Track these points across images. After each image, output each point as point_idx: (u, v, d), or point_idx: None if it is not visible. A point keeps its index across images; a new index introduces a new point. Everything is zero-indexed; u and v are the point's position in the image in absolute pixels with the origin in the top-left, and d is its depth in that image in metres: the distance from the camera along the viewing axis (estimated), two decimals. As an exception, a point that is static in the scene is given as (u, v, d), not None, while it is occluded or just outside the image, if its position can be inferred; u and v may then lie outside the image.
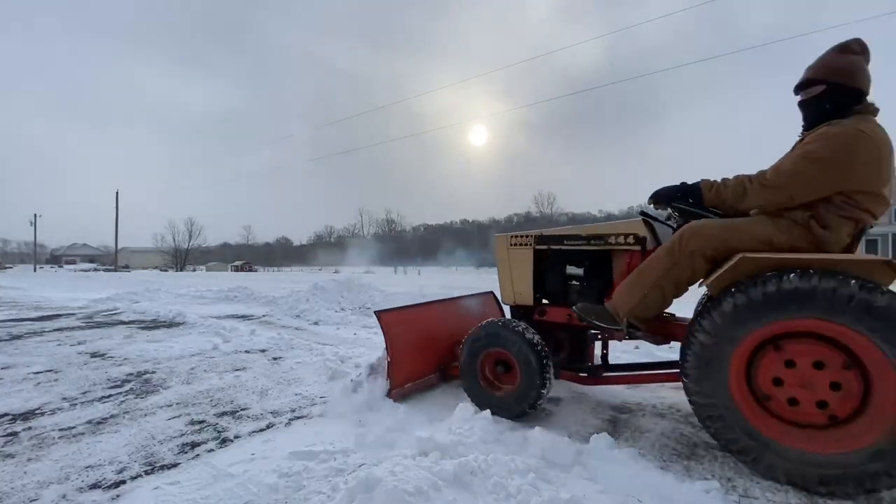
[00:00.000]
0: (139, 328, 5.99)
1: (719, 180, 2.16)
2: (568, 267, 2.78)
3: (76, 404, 2.92)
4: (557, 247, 2.80)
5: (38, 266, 52.86)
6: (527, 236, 2.95)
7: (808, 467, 1.77)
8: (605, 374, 2.80)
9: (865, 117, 1.96)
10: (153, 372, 3.68)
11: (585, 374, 2.77)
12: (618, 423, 2.54)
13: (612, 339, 2.70)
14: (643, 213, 2.65)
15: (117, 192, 45.38)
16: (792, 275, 1.79)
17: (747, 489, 1.83)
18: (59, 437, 2.40)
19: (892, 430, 1.63)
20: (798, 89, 2.14)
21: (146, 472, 2.00)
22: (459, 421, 2.26)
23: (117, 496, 1.82)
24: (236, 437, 2.37)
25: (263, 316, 7.20)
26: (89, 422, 2.61)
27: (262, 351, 4.48)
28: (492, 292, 3.56)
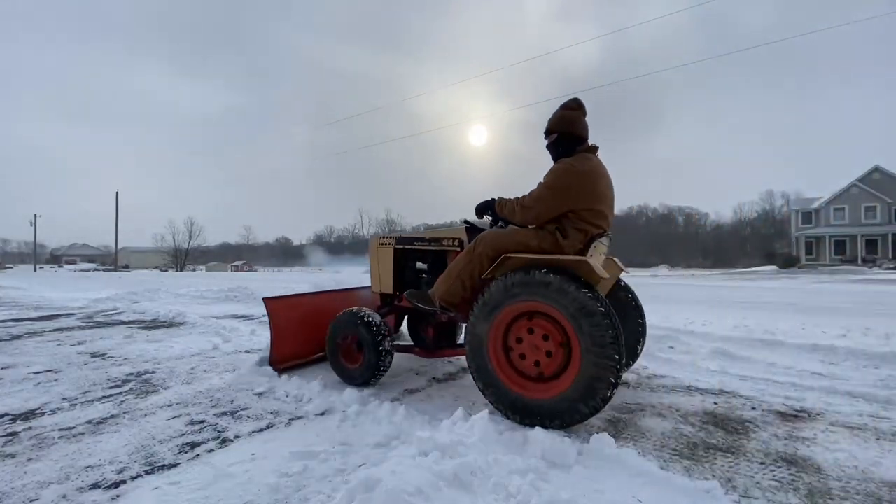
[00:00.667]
0: (139, 328, 5.99)
1: (508, 199, 2.82)
2: (418, 263, 3.49)
3: (76, 404, 2.92)
4: (410, 247, 3.45)
5: (38, 266, 52.87)
6: (391, 238, 3.58)
7: (533, 405, 2.42)
8: (436, 350, 3.37)
9: (584, 155, 2.68)
10: (153, 372, 3.68)
11: (419, 349, 3.45)
12: (618, 423, 2.54)
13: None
14: (466, 222, 3.29)
15: (117, 192, 45.43)
16: (521, 270, 2.49)
17: (747, 489, 1.83)
18: (60, 437, 2.40)
19: (572, 386, 2.31)
20: (545, 136, 2.86)
21: (146, 472, 2.00)
22: (459, 421, 2.26)
23: (117, 496, 1.82)
24: (236, 437, 2.37)
25: (263, 316, 7.19)
26: (89, 422, 2.61)
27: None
28: (370, 286, 3.93)
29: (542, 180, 2.67)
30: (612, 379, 2.22)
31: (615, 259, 3.30)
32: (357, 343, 3.22)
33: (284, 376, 3.30)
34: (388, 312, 3.59)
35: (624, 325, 3.07)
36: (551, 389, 2.41)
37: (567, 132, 2.77)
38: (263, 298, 3.61)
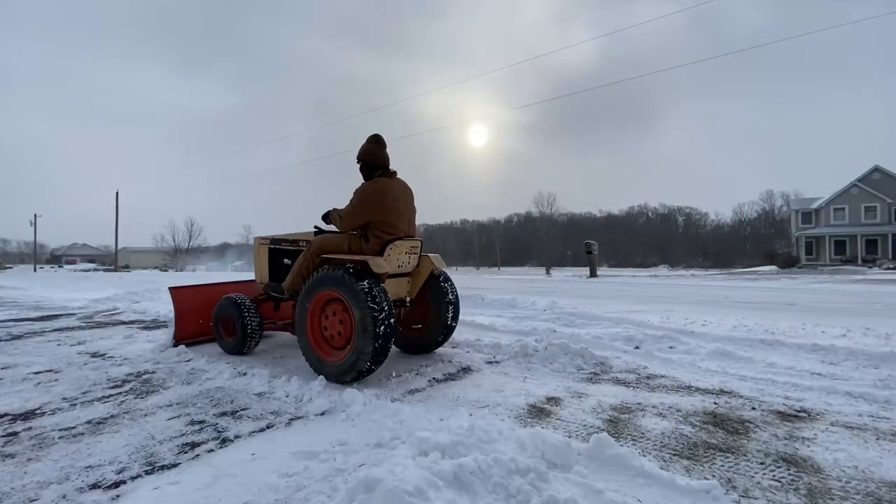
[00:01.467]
0: (139, 328, 5.99)
1: (337, 210, 3.68)
2: (285, 259, 4.40)
3: (76, 404, 2.92)
4: (279, 247, 4.49)
5: (38, 266, 52.86)
6: (266, 239, 4.58)
7: (328, 368, 3.32)
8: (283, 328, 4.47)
9: (378, 179, 3.63)
10: (153, 372, 3.68)
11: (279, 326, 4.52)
12: (618, 423, 2.54)
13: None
14: (316, 227, 4.13)
15: (117, 192, 45.37)
16: (325, 266, 3.46)
17: (747, 489, 1.83)
18: (59, 438, 2.40)
19: (348, 356, 3.21)
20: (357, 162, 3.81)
21: (146, 473, 2.00)
22: (459, 421, 2.26)
23: (117, 496, 1.82)
24: (236, 437, 2.37)
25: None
26: (89, 422, 2.61)
27: (263, 351, 4.48)
28: (254, 280, 4.91)
29: (351, 197, 3.63)
30: (371, 354, 3.12)
31: (430, 256, 4.08)
32: (232, 322, 4.22)
33: (285, 376, 3.30)
34: (265, 300, 4.49)
35: (437, 306, 4.12)
36: (339, 356, 3.32)
37: (367, 162, 3.75)
38: (169, 288, 4.79)
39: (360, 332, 3.14)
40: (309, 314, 3.48)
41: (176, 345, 4.44)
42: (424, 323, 4.24)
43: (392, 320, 3.23)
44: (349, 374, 3.20)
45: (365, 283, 3.18)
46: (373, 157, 3.74)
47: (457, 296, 4.25)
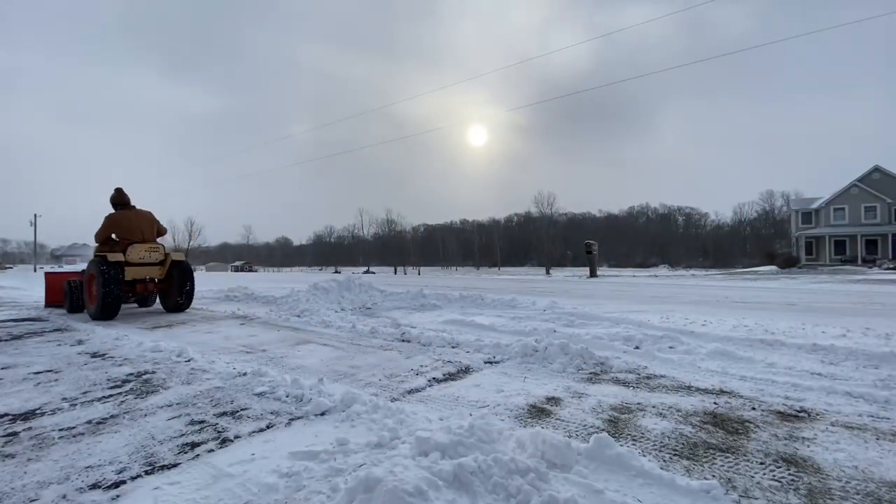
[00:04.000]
0: (139, 328, 5.99)
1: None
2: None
3: (76, 404, 2.92)
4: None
5: (38, 266, 52.82)
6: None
7: (91, 311, 7.23)
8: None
9: (117, 211, 7.62)
10: (153, 372, 3.68)
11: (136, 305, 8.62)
12: (618, 423, 2.54)
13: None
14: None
15: (117, 193, 45.29)
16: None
17: (747, 489, 1.83)
18: (59, 438, 2.40)
19: (94, 307, 7.04)
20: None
21: (146, 473, 2.00)
22: (459, 421, 2.26)
23: (117, 496, 1.82)
24: (236, 437, 2.37)
25: (263, 315, 7.19)
26: (89, 422, 2.61)
27: (263, 351, 4.48)
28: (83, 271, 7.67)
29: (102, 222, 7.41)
30: (93, 309, 6.75)
31: (172, 253, 7.72)
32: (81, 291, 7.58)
33: (285, 376, 3.30)
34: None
35: (178, 289, 7.55)
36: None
37: (113, 202, 7.66)
38: (44, 272, 9.00)
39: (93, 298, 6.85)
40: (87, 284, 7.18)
41: (46, 307, 8.69)
42: (170, 291, 7.66)
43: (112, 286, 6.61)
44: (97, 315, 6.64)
45: (106, 269, 6.63)
46: (117, 200, 7.71)
47: (190, 275, 7.70)
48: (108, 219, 7.25)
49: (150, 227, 7.49)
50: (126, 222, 7.20)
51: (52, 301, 8.64)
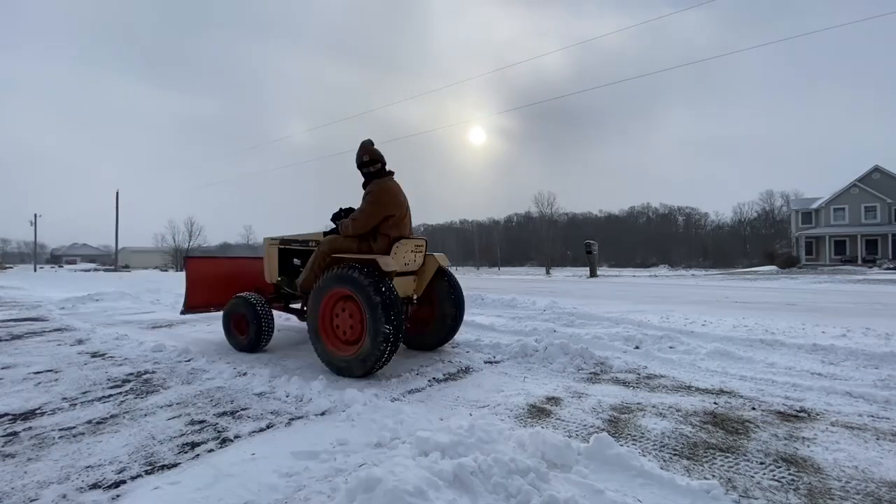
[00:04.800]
0: (140, 328, 5.99)
1: (349, 216, 3.90)
2: (294, 259, 4.58)
3: (76, 404, 2.92)
4: (286, 247, 4.60)
5: (38, 266, 52.85)
6: (276, 239, 4.65)
7: (338, 362, 3.49)
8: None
9: (384, 179, 3.92)
10: (153, 372, 3.68)
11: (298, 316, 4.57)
12: (618, 423, 2.54)
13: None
14: (330, 228, 4.27)
15: (117, 192, 45.34)
16: (336, 265, 3.58)
17: (747, 489, 1.83)
18: (60, 437, 2.40)
19: (360, 352, 3.37)
20: (361, 168, 4.02)
21: (146, 472, 2.00)
22: (459, 421, 2.26)
23: (117, 496, 1.82)
24: (236, 436, 2.37)
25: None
26: (89, 422, 2.61)
27: (263, 351, 4.47)
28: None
29: (362, 202, 3.87)
30: (380, 350, 3.27)
31: (436, 255, 4.26)
32: (245, 320, 4.35)
33: (285, 376, 3.30)
34: (275, 298, 4.64)
35: (443, 303, 4.27)
36: (350, 351, 3.48)
37: (373, 159, 3.99)
38: (185, 258, 5.41)
39: (371, 328, 3.29)
40: (321, 310, 3.65)
41: (184, 312, 4.95)
42: (430, 320, 4.37)
43: (402, 317, 3.38)
44: (359, 368, 3.37)
45: (375, 280, 3.32)
46: (376, 154, 3.99)
47: (461, 294, 4.36)
48: (378, 192, 3.81)
49: (409, 214, 4.08)
50: (396, 201, 3.86)
51: (201, 303, 5.00)
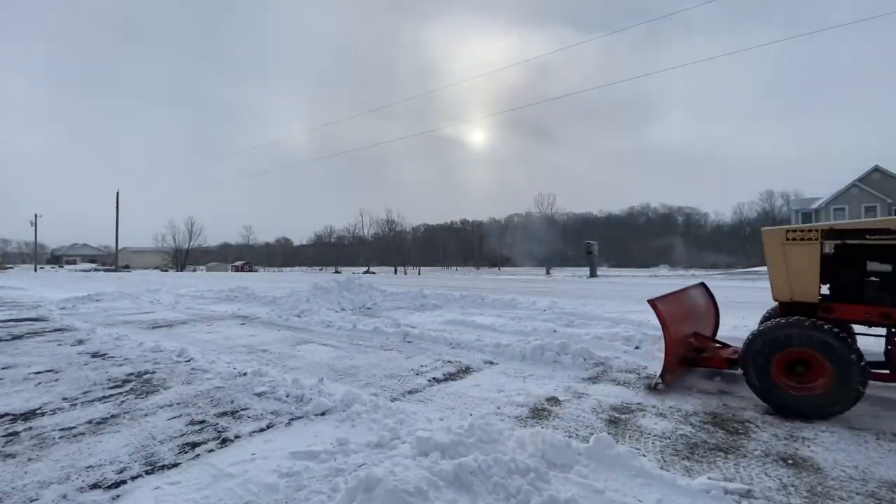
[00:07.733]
0: (140, 328, 5.99)
1: None
2: (869, 263, 2.73)
3: (77, 404, 2.92)
4: (855, 241, 2.77)
5: (38, 266, 52.88)
6: (810, 230, 2.83)
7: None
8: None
9: None
10: (153, 372, 3.69)
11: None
12: (618, 423, 2.54)
13: None
14: None
15: (118, 193, 45.35)
16: None
17: (747, 489, 1.83)
18: (60, 437, 2.40)
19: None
20: None
21: (146, 472, 2.00)
22: (459, 421, 2.27)
23: (118, 496, 1.82)
24: (236, 437, 2.37)
25: (264, 315, 7.19)
26: (90, 422, 2.61)
27: (264, 350, 4.48)
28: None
29: None
30: None
31: None
32: (813, 360, 2.55)
33: (285, 376, 3.29)
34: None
35: None
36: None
37: None
38: (649, 301, 3.08)
39: None
40: None
41: (655, 385, 3.11)
42: None
43: None
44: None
45: None
46: None
47: None
48: None
49: None
50: None
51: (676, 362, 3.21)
